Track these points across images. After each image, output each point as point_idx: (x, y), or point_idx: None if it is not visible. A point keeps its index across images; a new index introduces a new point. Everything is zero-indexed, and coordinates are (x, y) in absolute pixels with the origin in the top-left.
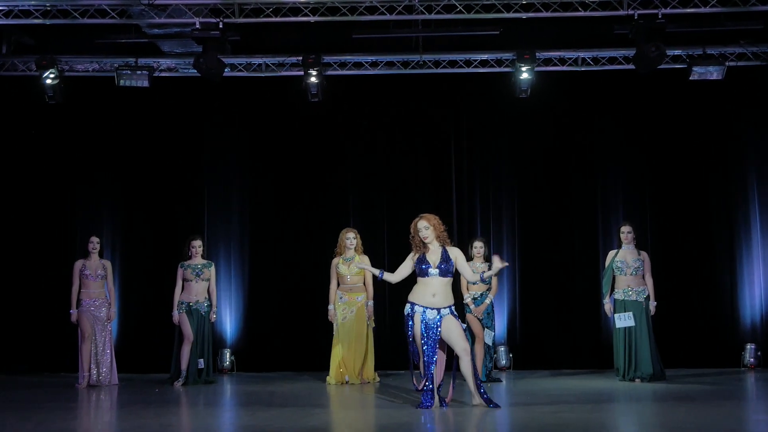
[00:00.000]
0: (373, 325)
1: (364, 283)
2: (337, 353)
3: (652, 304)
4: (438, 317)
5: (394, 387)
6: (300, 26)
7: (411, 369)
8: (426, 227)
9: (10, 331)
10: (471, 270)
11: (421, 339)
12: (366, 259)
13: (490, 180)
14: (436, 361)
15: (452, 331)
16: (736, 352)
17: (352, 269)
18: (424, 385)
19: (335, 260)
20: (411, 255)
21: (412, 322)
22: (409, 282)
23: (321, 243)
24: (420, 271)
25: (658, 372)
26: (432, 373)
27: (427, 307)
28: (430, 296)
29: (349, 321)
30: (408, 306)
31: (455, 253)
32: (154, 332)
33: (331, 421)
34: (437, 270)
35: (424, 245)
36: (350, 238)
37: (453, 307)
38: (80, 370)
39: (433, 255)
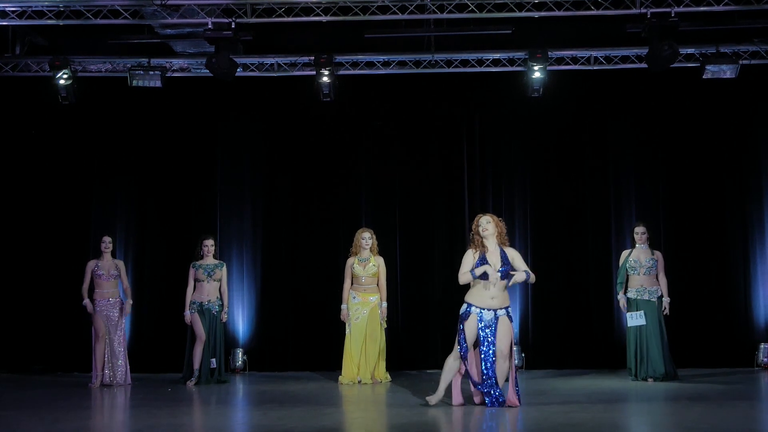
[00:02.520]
0: (385, 326)
1: (378, 284)
2: (349, 353)
3: (666, 300)
4: (494, 318)
5: (406, 387)
6: (312, 26)
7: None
8: (488, 221)
9: (24, 331)
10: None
11: (481, 340)
12: (381, 260)
13: (503, 179)
14: (495, 359)
15: (501, 331)
16: (749, 351)
17: (368, 270)
18: (479, 383)
19: (350, 260)
20: (470, 252)
21: (463, 326)
22: (424, 280)
23: (333, 242)
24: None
25: (670, 372)
26: (493, 372)
27: (483, 308)
28: (489, 299)
29: (362, 321)
30: (465, 306)
31: (512, 254)
32: (167, 332)
33: (343, 420)
34: (498, 274)
35: (483, 244)
36: (366, 239)
37: (509, 309)
38: (93, 370)
39: (493, 256)
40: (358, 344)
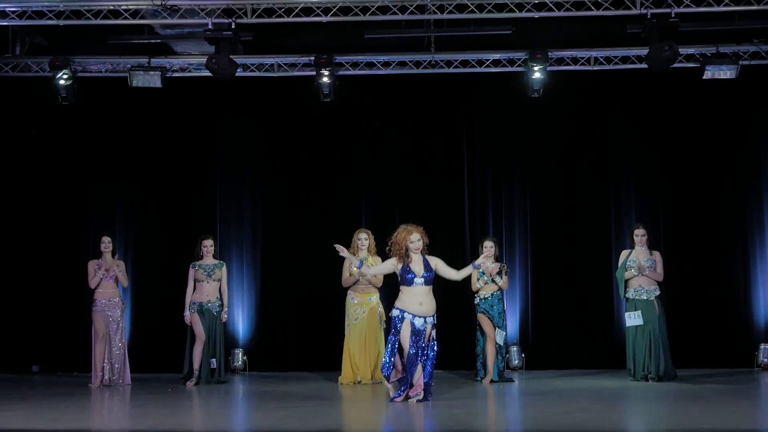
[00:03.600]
0: (384, 326)
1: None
2: (349, 353)
3: (647, 264)
4: (424, 325)
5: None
6: (312, 26)
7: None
8: (419, 239)
9: (24, 331)
10: (454, 271)
11: (410, 344)
12: (378, 260)
13: (503, 180)
14: (418, 365)
15: (428, 337)
16: (749, 352)
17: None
18: (399, 386)
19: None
20: (393, 260)
21: (401, 326)
22: None
23: (333, 242)
24: (405, 280)
25: (669, 372)
26: (413, 375)
27: (415, 315)
28: (417, 305)
29: (361, 321)
30: (398, 312)
31: (435, 262)
32: (167, 332)
33: (343, 421)
34: (422, 279)
35: (408, 255)
36: (362, 239)
37: (435, 316)
38: (93, 370)
39: (417, 265)
40: (358, 344)
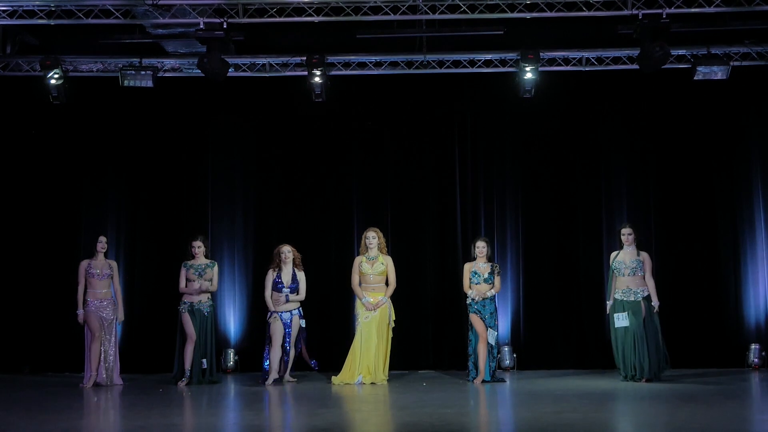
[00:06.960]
0: (393, 325)
1: (386, 283)
2: (355, 352)
3: (655, 303)
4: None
5: (398, 387)
6: (304, 26)
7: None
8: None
9: (15, 331)
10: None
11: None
12: (389, 259)
13: (494, 180)
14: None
15: None
16: (740, 352)
17: (375, 268)
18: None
19: (358, 258)
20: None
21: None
22: (416, 281)
23: (325, 242)
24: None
25: (658, 372)
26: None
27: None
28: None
29: (371, 320)
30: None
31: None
32: (158, 332)
33: (335, 421)
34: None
35: (280, 267)
36: (369, 238)
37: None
38: (86, 370)
39: (287, 275)
40: (366, 344)
